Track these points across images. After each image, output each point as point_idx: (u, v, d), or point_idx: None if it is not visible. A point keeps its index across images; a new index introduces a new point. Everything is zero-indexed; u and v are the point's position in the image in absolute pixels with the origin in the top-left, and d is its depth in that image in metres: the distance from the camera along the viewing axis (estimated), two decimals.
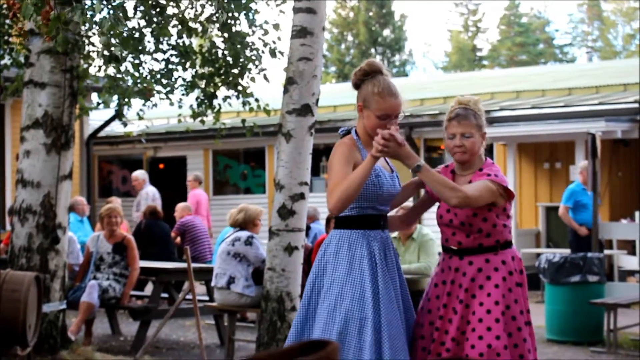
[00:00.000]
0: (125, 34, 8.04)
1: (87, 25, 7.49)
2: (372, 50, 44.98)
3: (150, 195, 14.56)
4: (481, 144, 4.59)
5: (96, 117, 18.94)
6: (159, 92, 9.43)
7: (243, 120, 9.52)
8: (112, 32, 7.24)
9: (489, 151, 16.17)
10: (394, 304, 4.36)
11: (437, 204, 4.70)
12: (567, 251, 13.08)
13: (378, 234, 4.46)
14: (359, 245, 4.39)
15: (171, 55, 9.37)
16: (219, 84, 9.41)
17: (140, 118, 10.11)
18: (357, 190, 4.25)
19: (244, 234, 8.80)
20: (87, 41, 8.42)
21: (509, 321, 4.41)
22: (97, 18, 7.13)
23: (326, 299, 4.35)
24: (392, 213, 4.74)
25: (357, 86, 4.56)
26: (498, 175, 4.47)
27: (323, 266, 4.45)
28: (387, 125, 4.38)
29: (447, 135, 4.59)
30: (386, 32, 45.17)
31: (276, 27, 9.10)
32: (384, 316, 4.27)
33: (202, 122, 9.80)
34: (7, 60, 9.20)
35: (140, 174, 14.89)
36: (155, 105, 9.85)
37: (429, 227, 8.60)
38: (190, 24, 9.14)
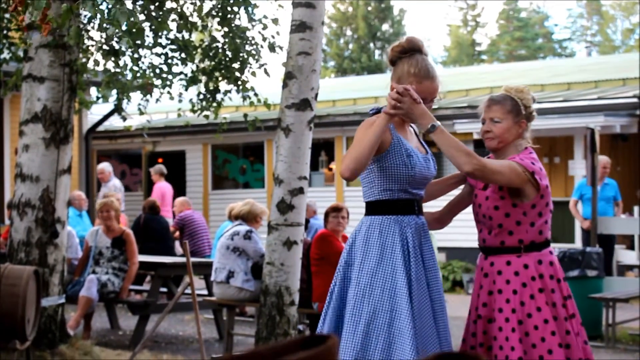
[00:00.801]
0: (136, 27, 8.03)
1: (99, 17, 7.45)
2: (371, 44, 44.96)
3: (117, 187, 14.69)
4: (517, 132, 4.30)
5: (95, 112, 18.94)
6: (157, 86, 9.42)
7: (245, 115, 9.52)
8: (122, 25, 7.21)
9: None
10: (426, 294, 4.09)
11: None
12: (566, 246, 13.12)
13: (412, 220, 4.15)
14: (390, 232, 4.09)
15: (170, 49, 9.36)
16: (219, 79, 9.41)
17: (142, 113, 10.10)
18: (369, 150, 3.92)
19: (243, 228, 8.81)
20: (86, 35, 8.40)
21: (531, 331, 4.13)
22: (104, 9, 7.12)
23: (355, 288, 4.07)
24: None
25: (392, 63, 4.28)
26: (525, 160, 4.18)
27: (352, 254, 4.17)
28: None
29: (481, 122, 4.37)
30: (385, 26, 45.12)
31: (275, 21, 9.09)
32: (416, 308, 4.01)
33: (206, 117, 9.79)
34: (6, 55, 9.18)
35: (106, 167, 15.05)
36: (157, 100, 9.84)
37: None
38: (190, 18, 9.13)
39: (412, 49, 4.25)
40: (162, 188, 15.15)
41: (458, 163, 4.02)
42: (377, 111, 4.22)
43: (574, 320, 4.22)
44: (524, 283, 4.17)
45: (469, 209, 4.52)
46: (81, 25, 8.00)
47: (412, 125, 4.37)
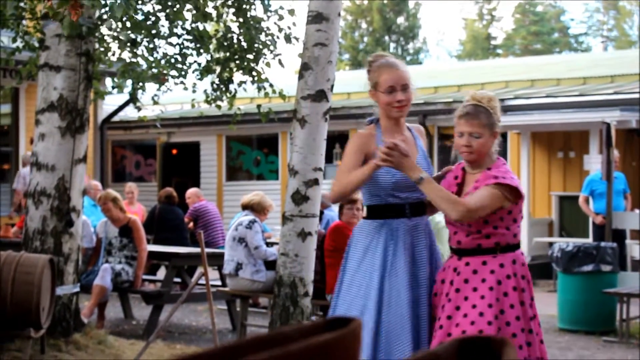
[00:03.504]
0: (139, 18, 8.03)
1: (99, 9, 7.46)
2: (386, 37, 44.88)
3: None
4: (492, 143, 4.44)
5: (110, 102, 18.99)
6: (173, 76, 9.42)
7: (259, 106, 9.52)
8: (125, 18, 7.22)
9: (503, 140, 16.16)
10: (404, 296, 4.33)
11: None
12: (580, 240, 13.08)
13: (402, 223, 4.45)
14: (375, 234, 4.42)
15: (185, 39, 9.36)
16: (234, 69, 9.40)
17: (155, 103, 10.11)
18: (353, 191, 4.43)
19: (247, 218, 8.87)
20: (102, 24, 8.39)
21: (502, 326, 4.26)
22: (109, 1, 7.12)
23: (339, 285, 4.51)
24: None
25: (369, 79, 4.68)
26: (506, 177, 4.33)
27: (346, 254, 4.56)
28: (396, 98, 4.46)
29: (455, 132, 4.46)
30: (400, 19, 45.04)
31: (291, 12, 9.08)
32: (385, 310, 4.32)
33: (218, 107, 9.79)
34: (19, 43, 9.20)
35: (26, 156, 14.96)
36: (168, 89, 9.84)
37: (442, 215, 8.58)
38: (205, 8, 9.12)
39: (372, 61, 4.68)
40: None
41: (445, 212, 4.30)
42: (372, 122, 4.63)
43: (535, 321, 4.39)
44: (499, 281, 4.31)
45: None
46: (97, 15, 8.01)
47: (410, 126, 4.71)
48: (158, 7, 8.83)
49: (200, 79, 9.61)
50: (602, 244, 9.96)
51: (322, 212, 10.36)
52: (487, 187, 4.30)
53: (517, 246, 4.45)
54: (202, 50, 9.37)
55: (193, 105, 10.55)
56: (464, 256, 4.38)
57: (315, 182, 7.29)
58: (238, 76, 9.53)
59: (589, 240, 13.23)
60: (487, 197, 4.28)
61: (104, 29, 8.37)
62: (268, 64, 9.26)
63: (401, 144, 4.26)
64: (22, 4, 8.59)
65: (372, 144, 4.48)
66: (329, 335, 0.94)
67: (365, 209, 4.60)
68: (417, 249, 4.46)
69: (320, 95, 7.27)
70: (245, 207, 9.24)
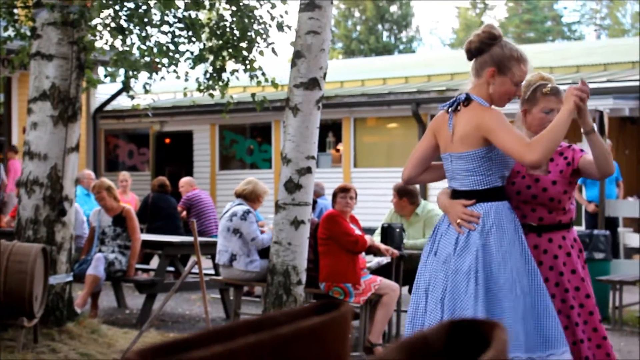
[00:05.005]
0: (131, 8, 8.00)
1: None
2: (379, 26, 44.81)
3: None
4: None
5: (103, 91, 18.95)
6: (165, 65, 9.39)
7: (253, 94, 9.51)
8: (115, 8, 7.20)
9: None
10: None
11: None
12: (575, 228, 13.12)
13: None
14: (511, 216, 4.23)
15: (177, 28, 9.32)
16: (227, 58, 9.37)
17: (147, 91, 10.08)
18: (560, 141, 4.10)
19: (241, 209, 8.83)
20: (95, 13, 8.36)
21: (590, 293, 4.48)
22: None
23: (503, 273, 4.11)
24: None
25: (478, 50, 4.26)
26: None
27: (484, 240, 4.16)
28: (518, 92, 4.28)
29: (540, 107, 4.48)
30: (393, 8, 44.98)
31: (283, 1, 9.06)
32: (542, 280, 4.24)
33: (211, 95, 9.77)
34: (10, 32, 9.16)
35: None
36: (162, 78, 9.81)
37: (435, 203, 8.58)
38: None
39: (500, 35, 4.30)
40: (16, 164, 15.05)
41: (609, 164, 4.22)
42: (468, 98, 4.23)
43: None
44: (578, 255, 4.50)
45: None
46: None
47: None
48: None
49: (193, 68, 9.58)
50: (595, 231, 9.98)
51: (315, 201, 10.36)
52: (586, 156, 4.43)
53: None
54: (194, 39, 9.33)
55: (185, 94, 10.52)
56: (545, 232, 4.44)
57: (308, 170, 7.29)
58: (231, 64, 9.50)
59: (582, 228, 13.26)
60: None
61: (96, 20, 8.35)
62: (261, 52, 9.24)
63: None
64: None
65: None
66: (318, 319, 0.94)
67: (487, 191, 4.23)
68: None
69: (312, 84, 7.26)
70: (239, 195, 9.22)
